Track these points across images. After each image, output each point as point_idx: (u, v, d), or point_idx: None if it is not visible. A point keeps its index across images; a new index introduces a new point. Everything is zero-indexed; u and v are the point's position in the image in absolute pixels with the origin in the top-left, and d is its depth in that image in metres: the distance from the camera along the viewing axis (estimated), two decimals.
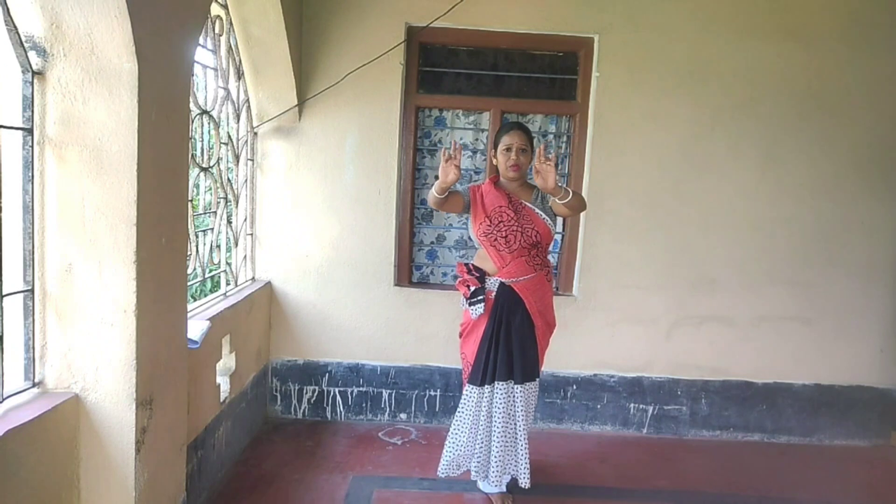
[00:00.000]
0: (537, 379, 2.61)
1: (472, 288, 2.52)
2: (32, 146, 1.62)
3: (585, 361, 3.47)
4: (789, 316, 3.46)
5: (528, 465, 2.54)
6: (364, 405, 3.49)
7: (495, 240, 2.49)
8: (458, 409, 2.60)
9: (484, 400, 2.53)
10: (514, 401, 2.53)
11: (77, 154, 1.64)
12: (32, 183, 1.63)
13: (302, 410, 3.49)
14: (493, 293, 2.53)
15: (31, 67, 1.59)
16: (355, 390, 3.48)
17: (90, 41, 1.59)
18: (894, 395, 3.52)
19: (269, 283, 3.39)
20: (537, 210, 2.51)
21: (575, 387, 3.48)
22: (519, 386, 2.51)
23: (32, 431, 1.54)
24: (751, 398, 3.50)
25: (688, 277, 3.43)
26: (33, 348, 1.69)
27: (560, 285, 3.55)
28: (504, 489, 2.66)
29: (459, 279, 2.59)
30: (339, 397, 3.48)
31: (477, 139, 3.52)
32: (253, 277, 3.38)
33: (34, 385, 1.69)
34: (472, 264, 2.59)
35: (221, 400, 2.72)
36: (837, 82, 3.32)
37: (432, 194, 2.41)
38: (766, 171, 3.37)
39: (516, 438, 2.55)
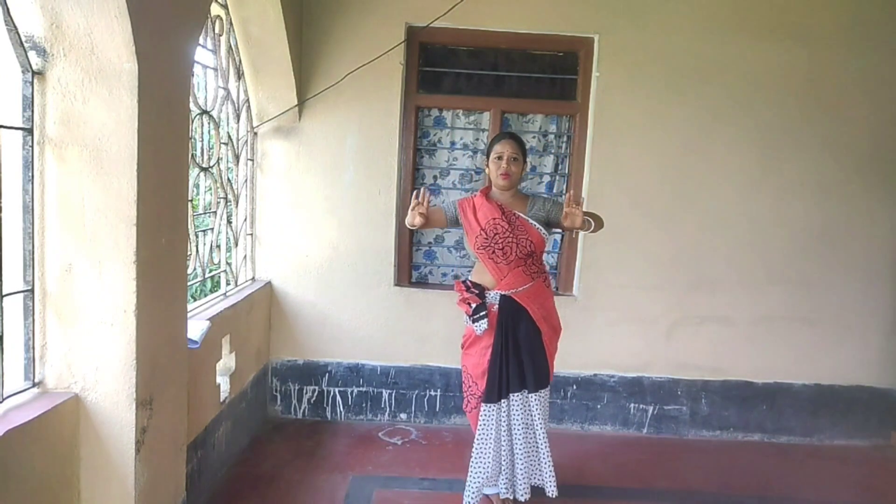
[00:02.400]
0: (549, 386, 2.59)
1: (474, 305, 2.49)
2: (32, 146, 1.62)
3: (585, 361, 3.47)
4: (789, 316, 3.46)
5: (552, 473, 2.51)
6: (364, 405, 3.49)
7: (493, 252, 2.47)
8: (479, 433, 2.53)
9: (503, 415, 2.49)
10: (530, 410, 2.50)
11: (77, 154, 1.64)
12: (32, 183, 1.63)
13: (302, 410, 3.49)
14: (496, 306, 2.51)
15: (31, 67, 1.59)
16: (355, 390, 3.48)
17: (90, 41, 1.59)
18: (894, 395, 3.52)
19: (269, 283, 3.39)
20: (530, 220, 2.49)
21: (575, 387, 3.48)
22: (533, 394, 2.49)
23: (32, 431, 1.54)
24: (751, 398, 3.50)
25: (688, 277, 3.43)
26: (33, 348, 1.69)
27: (560, 285, 3.55)
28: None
29: (459, 297, 2.56)
30: (339, 397, 3.48)
31: (477, 139, 3.52)
32: (253, 277, 3.38)
33: (34, 385, 1.69)
34: (470, 280, 2.57)
35: (221, 400, 2.72)
36: (838, 82, 3.32)
37: (407, 222, 2.46)
38: (766, 171, 3.37)
39: (538, 447, 2.52)
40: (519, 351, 2.49)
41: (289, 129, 3.31)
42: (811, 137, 3.35)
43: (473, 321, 2.50)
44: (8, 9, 1.53)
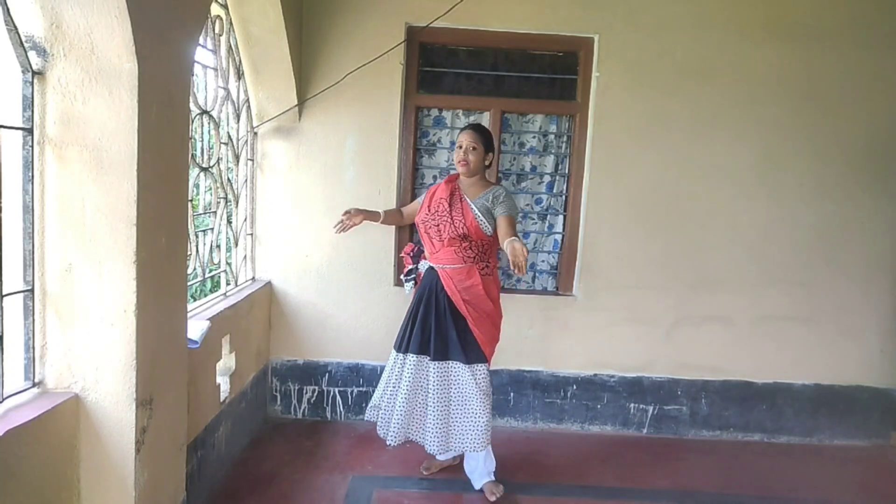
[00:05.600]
0: (476, 365, 2.63)
1: (408, 267, 2.86)
2: (32, 146, 1.62)
3: (585, 361, 3.47)
4: (789, 316, 3.46)
5: (436, 436, 2.61)
6: (364, 405, 3.47)
7: (429, 227, 2.72)
8: (385, 369, 2.81)
9: (397, 365, 2.71)
10: (426, 375, 2.65)
11: (77, 154, 1.64)
12: (32, 183, 1.63)
13: (302, 410, 3.49)
14: (422, 273, 2.79)
15: (31, 67, 1.59)
16: (355, 390, 3.48)
17: (90, 41, 1.59)
18: (894, 395, 3.52)
19: (269, 283, 3.39)
20: (472, 205, 2.64)
21: (575, 387, 3.48)
22: (435, 363, 2.62)
23: (32, 431, 1.54)
24: (751, 398, 3.50)
25: (688, 277, 3.43)
26: (33, 348, 1.68)
27: (560, 285, 3.55)
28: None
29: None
30: (339, 397, 3.48)
31: None
32: (253, 277, 3.38)
33: (34, 385, 1.69)
34: (417, 246, 2.89)
35: (221, 400, 2.72)
36: (838, 82, 3.32)
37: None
38: (765, 171, 3.37)
39: (426, 411, 2.64)
40: (428, 318, 2.67)
41: (289, 129, 3.31)
42: (811, 137, 3.35)
43: (405, 280, 2.89)
44: (8, 9, 1.53)
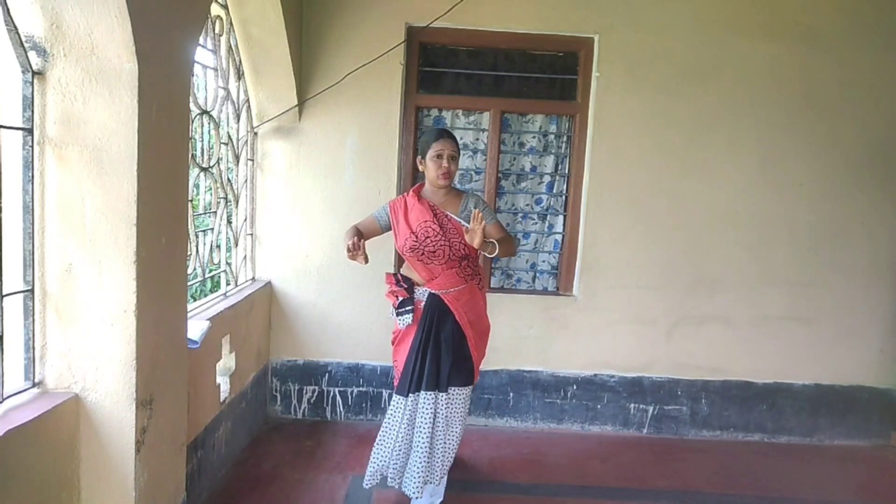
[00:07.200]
0: (470, 386, 2.55)
1: (400, 299, 2.50)
2: (32, 146, 1.62)
3: (585, 361, 3.47)
4: (789, 316, 3.46)
5: (443, 476, 2.51)
6: (364, 405, 3.49)
7: (422, 254, 2.45)
8: (386, 419, 2.55)
9: (408, 409, 2.47)
10: (437, 411, 2.47)
11: (77, 154, 1.64)
12: (32, 183, 1.63)
13: (302, 410, 3.49)
14: (423, 303, 2.50)
15: (31, 67, 1.59)
16: (355, 390, 3.48)
17: (90, 41, 1.59)
18: (894, 395, 3.52)
19: (269, 283, 3.39)
20: (463, 223, 2.44)
21: (575, 387, 3.48)
22: (444, 394, 2.46)
23: (32, 431, 1.54)
24: (751, 398, 3.50)
25: (688, 277, 3.43)
26: (33, 348, 1.68)
27: (560, 285, 3.55)
28: (433, 500, 2.57)
29: (388, 290, 2.57)
30: (339, 397, 3.48)
31: (477, 139, 3.52)
32: (253, 277, 3.38)
33: (34, 385, 1.69)
34: (401, 274, 2.56)
35: (221, 400, 2.72)
36: (837, 82, 3.32)
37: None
38: (765, 171, 3.37)
39: (433, 448, 2.48)
40: (439, 351, 2.46)
41: (289, 129, 3.31)
42: (810, 137, 3.35)
43: (398, 315, 2.50)
44: (8, 9, 1.53)
